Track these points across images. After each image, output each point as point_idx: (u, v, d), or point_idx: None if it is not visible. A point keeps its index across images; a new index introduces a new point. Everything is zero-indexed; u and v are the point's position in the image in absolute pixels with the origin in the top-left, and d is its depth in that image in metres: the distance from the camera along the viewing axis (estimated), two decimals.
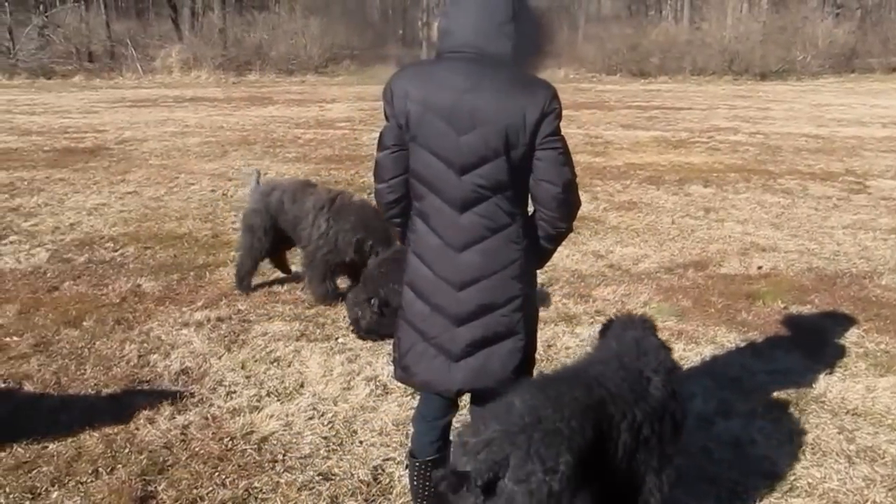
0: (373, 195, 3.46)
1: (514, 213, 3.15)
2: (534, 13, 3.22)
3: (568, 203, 3.18)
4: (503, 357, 3.23)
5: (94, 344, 5.73)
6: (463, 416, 3.74)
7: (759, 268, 7.75)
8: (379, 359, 5.53)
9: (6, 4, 33.05)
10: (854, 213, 10.07)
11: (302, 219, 6.60)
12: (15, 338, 5.80)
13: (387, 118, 3.19)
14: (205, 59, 31.31)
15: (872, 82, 35.22)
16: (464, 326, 3.20)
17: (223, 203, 10.07)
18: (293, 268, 7.28)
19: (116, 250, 8.08)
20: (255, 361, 5.47)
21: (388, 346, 5.71)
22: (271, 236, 6.78)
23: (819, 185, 11.69)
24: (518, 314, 3.22)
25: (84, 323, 6.13)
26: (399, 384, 5.05)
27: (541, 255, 3.36)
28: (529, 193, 3.19)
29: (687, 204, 10.42)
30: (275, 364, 5.44)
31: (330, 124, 17.89)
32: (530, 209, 3.23)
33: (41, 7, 35.24)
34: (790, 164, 13.37)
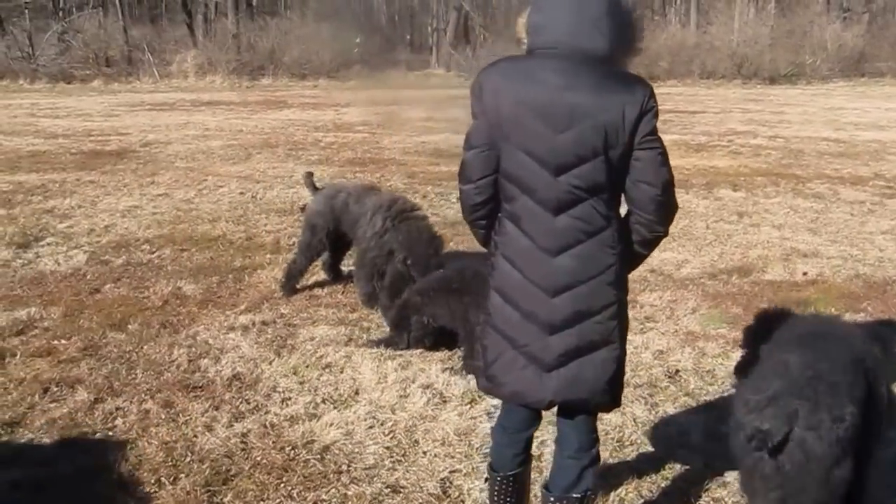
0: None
1: (610, 215, 3.00)
2: (625, 8, 3.07)
3: (667, 205, 3.05)
4: (597, 367, 3.07)
5: (142, 348, 5.58)
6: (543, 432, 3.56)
7: (805, 274, 7.58)
8: (431, 366, 5.37)
9: (26, 11, 32.99)
10: (891, 218, 9.87)
11: (360, 217, 6.47)
12: (63, 341, 5.66)
13: (475, 116, 3.03)
14: (219, 64, 31.24)
15: (883, 86, 35.05)
16: (557, 335, 3.03)
17: (253, 206, 9.93)
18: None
19: (153, 252, 7.94)
20: (307, 367, 5.31)
21: (439, 354, 5.59)
22: (332, 238, 6.68)
23: (850, 189, 11.51)
24: (613, 322, 3.06)
25: (129, 326, 5.99)
26: (455, 392, 4.97)
27: (632, 261, 3.20)
28: (624, 195, 3.04)
29: (719, 208, 10.25)
30: (327, 370, 5.29)
31: (348, 128, 17.74)
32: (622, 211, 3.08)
33: (60, 13, 35.19)
34: (816, 169, 13.19)
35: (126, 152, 14.02)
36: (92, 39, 33.57)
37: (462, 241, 8.34)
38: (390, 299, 6.01)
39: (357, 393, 4.98)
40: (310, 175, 7.23)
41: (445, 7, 36.10)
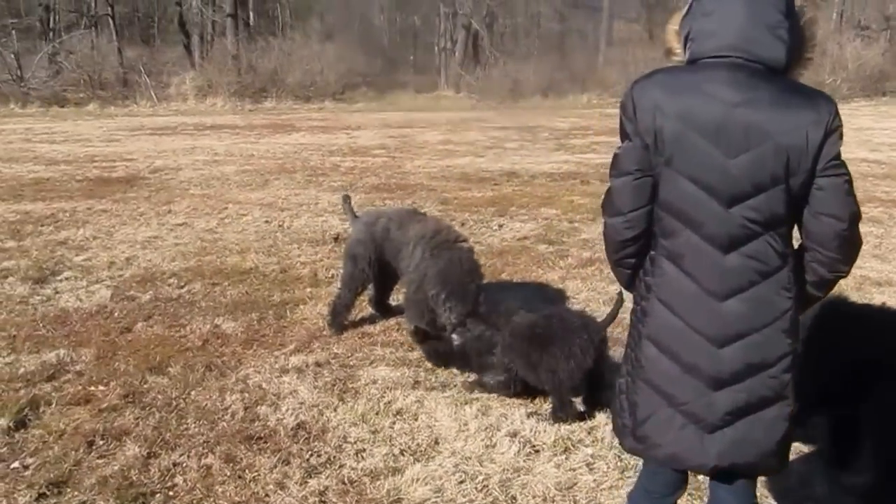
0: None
1: (786, 253, 2.70)
2: (798, 13, 2.79)
3: (851, 241, 2.73)
4: (768, 426, 2.76)
5: (190, 394, 5.25)
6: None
7: (883, 304, 7.26)
8: (514, 410, 5.05)
9: (13, 32, 32.84)
10: None
11: (403, 246, 6.15)
12: (100, 387, 5.32)
13: (626, 136, 2.75)
14: (219, 86, 31.07)
15: None
16: (724, 390, 2.73)
17: (281, 235, 9.62)
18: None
19: (182, 287, 7.61)
20: (377, 414, 4.98)
21: (518, 398, 5.25)
22: (376, 268, 6.35)
23: None
24: (787, 375, 2.75)
25: (170, 369, 5.66)
26: (545, 440, 4.66)
27: (804, 304, 2.89)
28: (800, 229, 2.74)
29: None
30: (399, 417, 4.95)
31: (365, 151, 17.48)
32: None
33: (51, 34, 35.05)
34: (865, 191, 12.88)
35: (135, 179, 13.73)
36: (85, 61, 33.37)
37: (512, 271, 8.06)
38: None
39: (437, 442, 4.65)
40: (348, 199, 6.93)
41: (453, 26, 36.03)
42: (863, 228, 8.69)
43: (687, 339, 2.74)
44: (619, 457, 4.49)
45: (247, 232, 9.77)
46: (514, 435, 4.72)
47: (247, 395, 5.24)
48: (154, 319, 6.73)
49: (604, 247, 3.01)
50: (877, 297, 7.45)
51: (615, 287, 7.64)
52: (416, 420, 4.91)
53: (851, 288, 7.71)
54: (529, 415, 4.99)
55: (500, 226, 10.20)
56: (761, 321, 2.68)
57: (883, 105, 34.99)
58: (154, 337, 6.31)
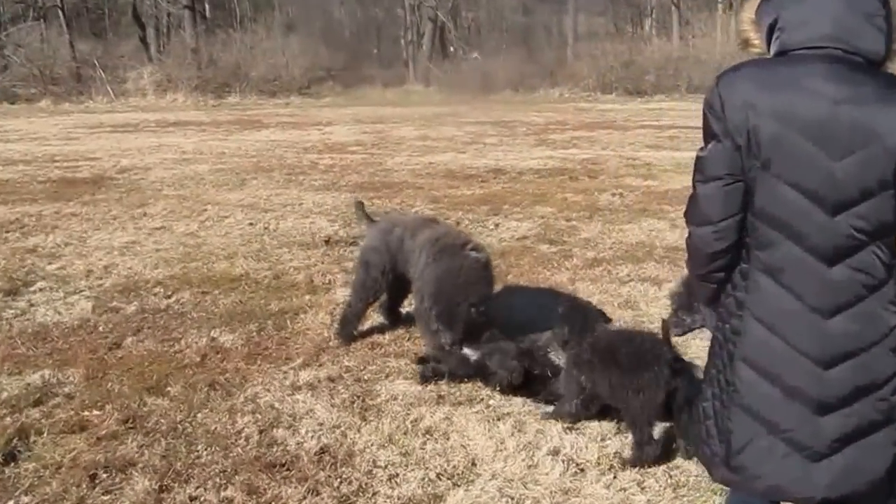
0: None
1: (892, 264, 2.50)
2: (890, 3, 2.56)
3: None
4: (877, 452, 2.56)
5: (195, 417, 4.88)
6: None
7: None
8: (550, 427, 4.74)
9: None
10: None
11: (411, 254, 5.84)
12: (95, 412, 4.93)
13: (713, 137, 2.51)
14: (180, 81, 30.41)
15: None
16: (831, 415, 2.52)
17: (269, 238, 9.24)
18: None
19: (169, 296, 7.22)
20: (405, 434, 4.66)
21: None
22: (389, 278, 6.02)
23: None
24: None
25: (169, 389, 5.28)
26: (589, 458, 4.40)
27: None
28: None
29: None
30: (429, 436, 4.64)
31: (341, 148, 17.12)
32: None
33: None
34: None
35: (102, 180, 13.24)
36: (34, 55, 32.48)
37: (518, 273, 7.78)
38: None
39: (474, 464, 4.34)
40: (361, 205, 6.62)
41: (419, 18, 35.63)
42: None
43: (789, 361, 2.54)
44: (668, 474, 4.25)
45: (231, 235, 9.38)
46: (555, 453, 4.43)
47: (259, 416, 4.88)
48: (144, 333, 6.33)
49: (688, 259, 2.76)
50: None
51: (627, 289, 7.44)
52: (447, 439, 4.60)
53: None
54: (567, 430, 4.71)
55: (497, 225, 9.92)
56: (869, 339, 2.49)
57: None
58: (147, 353, 5.92)
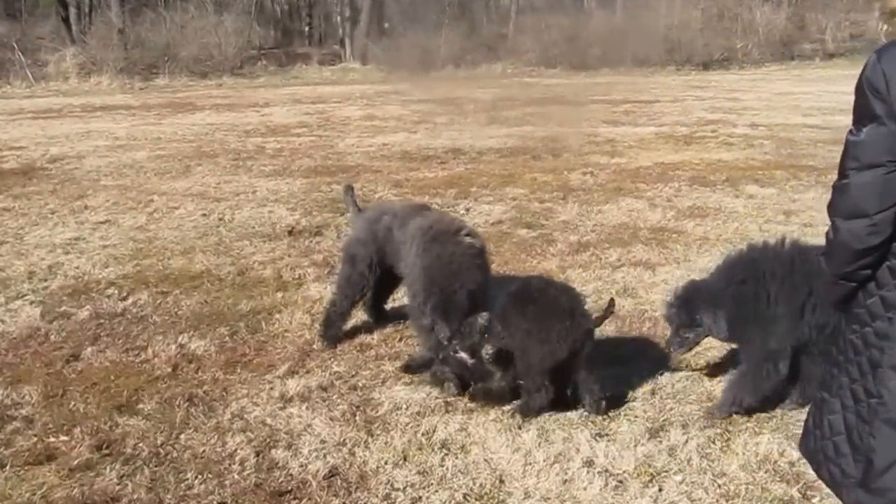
0: None
1: None
2: None
3: None
4: None
5: (178, 438, 4.40)
6: None
7: None
8: (576, 433, 4.38)
9: None
10: None
11: (402, 245, 5.40)
12: (62, 437, 4.41)
13: (872, 119, 2.25)
14: (105, 63, 29.22)
15: (816, 69, 35.70)
16: None
17: (226, 230, 8.70)
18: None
19: (125, 298, 6.67)
20: (419, 449, 4.25)
21: (571, 414, 4.59)
22: (377, 272, 5.59)
23: None
24: None
25: (142, 406, 4.79)
26: (625, 467, 4.08)
27: None
28: None
29: (758, 207, 9.56)
30: (446, 451, 4.23)
31: (285, 130, 16.49)
32: None
33: None
34: (825, 158, 12.67)
35: (32, 170, 12.47)
36: None
37: (501, 262, 7.39)
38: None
39: (503, 481, 3.96)
40: (350, 189, 6.15)
41: None
42: None
43: None
44: (715, 482, 3.93)
45: (184, 228, 8.80)
46: (589, 464, 4.08)
47: (251, 434, 4.42)
48: (103, 342, 5.79)
49: (828, 256, 2.41)
50: None
51: (621, 275, 7.11)
52: (468, 454, 4.20)
53: None
54: (596, 436, 4.35)
55: (468, 209, 9.53)
56: None
57: (794, 69, 35.73)
58: (110, 365, 5.40)
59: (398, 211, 5.67)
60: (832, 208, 2.38)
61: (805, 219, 9.04)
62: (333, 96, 23.76)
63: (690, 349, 4.90)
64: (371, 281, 5.66)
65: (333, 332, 5.68)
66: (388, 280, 5.80)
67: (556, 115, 18.74)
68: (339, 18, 35.53)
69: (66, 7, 34.24)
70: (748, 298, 4.37)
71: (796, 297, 4.28)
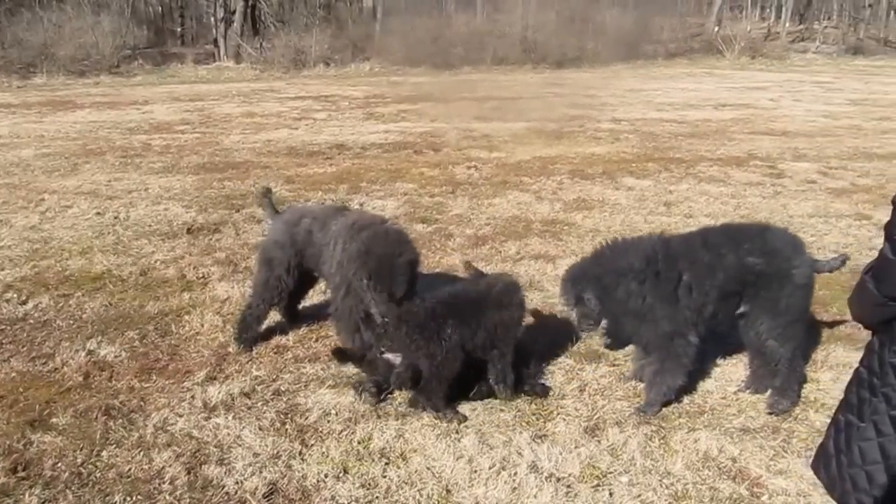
0: None
1: None
2: None
3: None
4: None
5: (100, 456, 3.89)
6: None
7: None
8: (515, 435, 4.10)
9: None
10: (800, 199, 9.58)
11: (324, 248, 4.98)
12: None
13: None
14: None
15: (659, 67, 36.67)
16: None
17: (122, 229, 7.99)
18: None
19: (24, 302, 5.99)
20: (358, 460, 3.88)
21: (505, 415, 4.30)
22: (295, 276, 5.15)
23: (738, 171, 11.19)
24: None
25: (55, 420, 4.24)
26: (570, 471, 3.82)
27: None
28: None
29: (639, 199, 9.50)
30: (387, 461, 3.88)
31: (168, 128, 15.54)
32: None
33: None
34: (689, 151, 12.87)
35: None
36: None
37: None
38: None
39: (449, 491, 3.65)
40: (268, 192, 5.65)
41: None
42: (713, 189, 8.51)
43: None
44: (662, 482, 3.74)
45: (80, 227, 8.03)
46: (534, 469, 3.81)
47: (177, 449, 3.94)
48: (6, 350, 5.15)
49: (880, 276, 2.17)
50: None
51: (524, 268, 6.84)
52: (409, 463, 3.86)
53: None
54: (536, 439, 4.08)
55: (361, 204, 9.08)
56: None
57: (640, 68, 36.52)
58: (17, 375, 4.78)
59: (318, 214, 5.22)
60: (893, 228, 2.12)
61: (685, 210, 9.03)
62: (211, 94, 22.68)
63: (596, 326, 4.59)
64: (289, 284, 5.22)
65: (250, 335, 5.22)
66: (304, 282, 5.38)
67: (428, 112, 18.41)
68: (212, 19, 34.12)
69: None
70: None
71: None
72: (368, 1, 42.53)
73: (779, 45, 42.40)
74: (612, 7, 41.24)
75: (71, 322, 5.63)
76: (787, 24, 46.78)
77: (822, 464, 2.41)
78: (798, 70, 33.96)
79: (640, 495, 3.61)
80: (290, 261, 5.12)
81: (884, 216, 8.47)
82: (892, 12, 47.10)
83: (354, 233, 4.83)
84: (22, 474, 3.70)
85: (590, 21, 39.50)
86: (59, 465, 3.79)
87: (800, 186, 10.27)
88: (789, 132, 15.10)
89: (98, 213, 8.54)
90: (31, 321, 5.64)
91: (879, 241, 6.77)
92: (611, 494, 3.61)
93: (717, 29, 43.33)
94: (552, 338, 5.29)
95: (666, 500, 3.59)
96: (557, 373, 4.81)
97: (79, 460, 3.83)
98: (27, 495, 3.53)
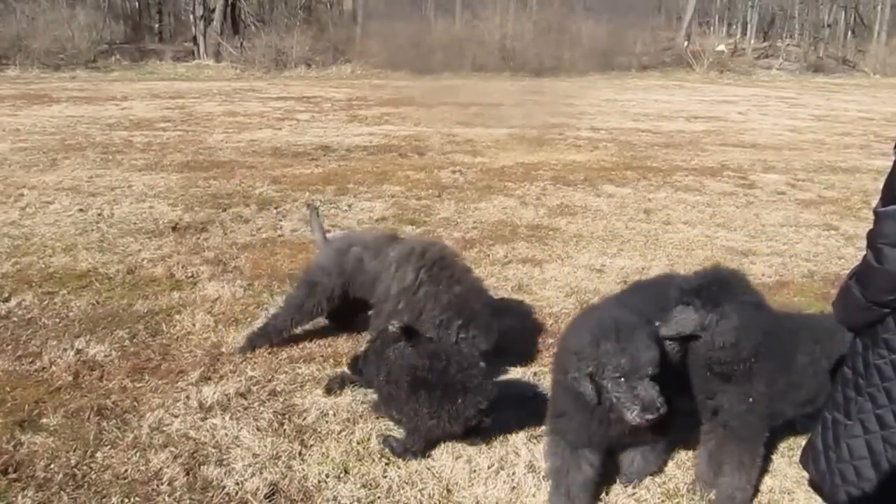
0: None
1: None
2: None
3: None
4: None
5: (94, 457, 3.79)
6: None
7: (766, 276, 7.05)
8: (512, 436, 4.06)
9: None
10: (771, 209, 9.66)
11: (382, 272, 4.91)
12: None
13: None
14: None
15: (632, 79, 36.92)
16: None
17: (106, 226, 7.86)
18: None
19: (7, 300, 5.86)
20: (359, 460, 3.82)
21: (506, 417, 4.25)
22: (336, 303, 5.13)
23: (712, 181, 11.25)
24: None
25: (46, 421, 4.13)
26: None
27: None
28: None
29: (620, 206, 9.52)
30: (386, 460, 3.83)
31: (149, 125, 15.38)
32: None
33: None
34: (665, 161, 12.92)
35: None
36: None
37: None
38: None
39: (450, 491, 3.62)
40: (315, 210, 5.57)
41: None
42: (689, 197, 8.62)
43: None
44: (654, 481, 3.72)
45: (62, 224, 7.89)
46: (532, 469, 3.78)
47: (174, 450, 3.86)
48: None
49: (866, 281, 2.15)
50: (754, 267, 7.21)
51: (512, 272, 6.83)
52: (408, 463, 3.81)
53: (728, 260, 7.40)
54: (532, 439, 4.05)
55: (350, 206, 9.04)
56: None
57: (615, 79, 36.75)
58: (3, 375, 4.66)
59: (369, 242, 5.13)
60: (879, 235, 2.12)
61: (663, 217, 9.06)
62: (191, 92, 22.50)
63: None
64: (324, 310, 5.17)
65: (259, 343, 5.09)
66: (351, 310, 5.32)
67: (412, 116, 18.38)
68: (191, 17, 33.84)
69: None
70: None
71: None
72: (349, 3, 42.40)
73: (745, 61, 42.96)
74: (587, 19, 41.43)
75: (57, 320, 5.51)
76: (753, 41, 47.39)
77: (812, 459, 2.47)
78: (763, 85, 34.38)
79: (633, 493, 3.60)
80: (334, 289, 5.05)
81: (849, 227, 8.67)
82: (850, 32, 47.98)
83: (430, 266, 4.73)
84: (13, 476, 3.59)
85: (566, 32, 39.69)
86: (52, 466, 3.68)
87: (770, 197, 10.37)
88: (758, 145, 15.25)
89: (81, 210, 8.39)
90: (15, 319, 5.51)
91: (848, 251, 6.96)
92: (606, 493, 3.60)
93: (686, 44, 43.72)
94: (543, 340, 5.29)
95: (659, 499, 3.59)
96: (550, 375, 4.77)
97: (72, 461, 3.73)
98: (20, 497, 3.42)
